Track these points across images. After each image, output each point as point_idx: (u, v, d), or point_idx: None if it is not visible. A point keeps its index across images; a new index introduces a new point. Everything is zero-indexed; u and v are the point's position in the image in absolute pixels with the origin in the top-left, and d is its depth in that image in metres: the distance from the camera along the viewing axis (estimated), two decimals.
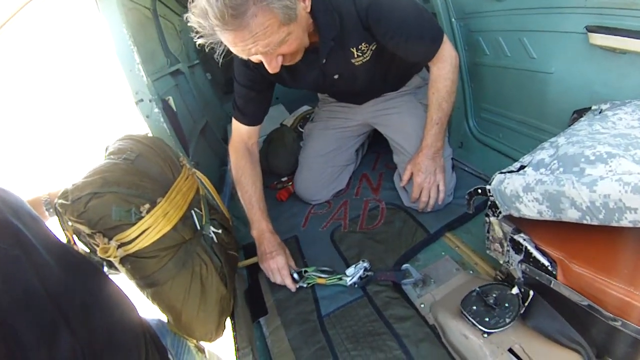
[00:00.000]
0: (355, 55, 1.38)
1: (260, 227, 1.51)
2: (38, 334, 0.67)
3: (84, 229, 1.02)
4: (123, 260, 1.06)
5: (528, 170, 0.90)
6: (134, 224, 1.05)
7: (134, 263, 1.08)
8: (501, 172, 0.96)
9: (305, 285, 1.41)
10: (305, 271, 1.43)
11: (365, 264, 1.35)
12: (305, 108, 2.52)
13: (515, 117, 1.55)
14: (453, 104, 1.48)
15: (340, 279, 1.36)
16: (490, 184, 0.97)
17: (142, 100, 1.41)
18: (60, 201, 1.02)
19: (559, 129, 1.26)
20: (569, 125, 1.09)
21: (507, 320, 0.95)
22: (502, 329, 0.95)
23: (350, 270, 1.35)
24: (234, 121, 1.59)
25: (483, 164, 1.72)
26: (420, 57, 1.40)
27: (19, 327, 0.64)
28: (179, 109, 1.92)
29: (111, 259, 1.03)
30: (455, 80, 1.44)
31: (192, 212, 1.26)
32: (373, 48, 1.39)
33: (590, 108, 1.09)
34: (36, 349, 0.65)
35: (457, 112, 1.82)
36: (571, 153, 0.82)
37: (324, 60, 1.36)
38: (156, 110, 1.43)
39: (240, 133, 1.59)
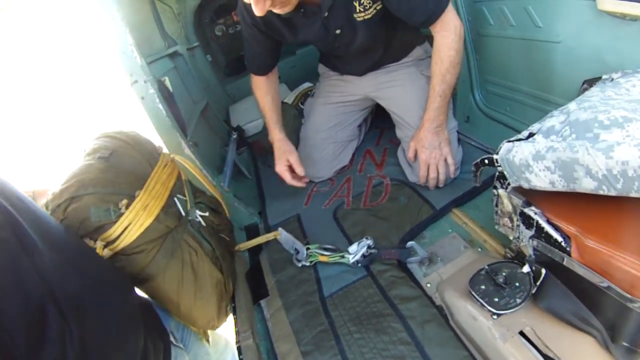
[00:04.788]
0: (358, 10, 1.33)
1: (271, 136, 1.72)
2: (26, 317, 0.65)
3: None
4: (112, 261, 1.03)
5: (537, 137, 0.82)
6: (115, 222, 1.02)
7: (123, 261, 1.05)
8: (509, 141, 0.89)
9: (307, 264, 1.37)
10: (308, 248, 1.39)
11: (369, 242, 1.30)
12: (306, 85, 2.45)
13: (522, 89, 1.47)
14: (457, 76, 1.40)
15: (342, 256, 1.32)
16: (497, 153, 0.90)
17: (136, 81, 1.37)
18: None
19: (568, 100, 1.20)
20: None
21: (518, 300, 0.89)
22: (512, 310, 0.89)
23: (352, 248, 1.31)
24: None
25: (490, 138, 1.64)
26: (423, 17, 1.31)
27: (7, 309, 0.63)
28: (177, 90, 1.88)
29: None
30: (460, 50, 1.35)
31: (175, 199, 1.21)
32: (377, 8, 1.34)
33: (600, 78, 1.01)
34: (24, 330, 0.63)
35: (462, 85, 1.74)
36: (584, 118, 0.75)
37: (326, 14, 1.32)
38: (151, 91, 1.39)
39: (254, 79, 1.73)
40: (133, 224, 1.05)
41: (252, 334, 1.17)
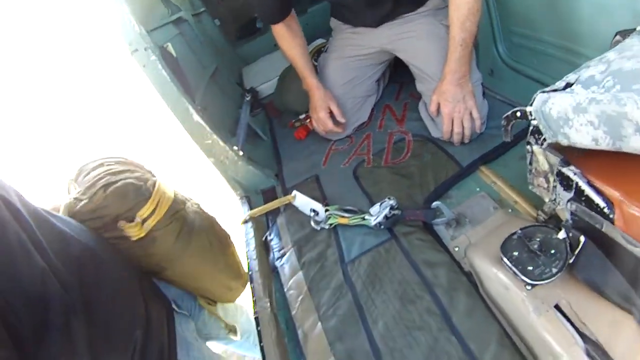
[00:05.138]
0: None
1: (306, 83, 1.68)
2: (30, 293, 0.67)
3: (105, 221, 1.05)
4: (145, 240, 1.11)
5: (576, 88, 0.72)
6: (148, 199, 1.12)
7: (155, 239, 1.13)
8: (543, 91, 0.79)
9: (326, 227, 1.32)
10: (327, 210, 1.33)
11: (392, 202, 1.22)
12: (319, 41, 2.33)
13: (549, 40, 1.34)
14: (477, 24, 1.29)
15: (363, 218, 1.26)
16: (531, 105, 0.81)
17: (136, 50, 1.31)
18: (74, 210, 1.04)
19: (599, 52, 1.09)
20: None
21: (554, 270, 0.81)
22: (548, 280, 0.81)
23: (374, 209, 1.24)
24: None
25: (516, 91, 1.53)
26: None
27: (13, 289, 0.64)
28: (183, 56, 1.81)
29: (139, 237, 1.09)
30: None
31: None
32: None
33: (634, 29, 0.88)
34: (29, 308, 0.65)
35: (484, 37, 1.62)
36: (628, 68, 0.65)
37: None
38: (153, 57, 1.33)
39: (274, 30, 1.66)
40: (161, 200, 1.16)
41: (270, 303, 1.14)
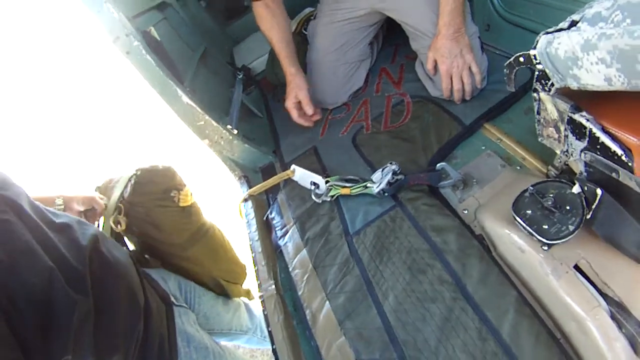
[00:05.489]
0: None
1: (283, 68, 1.60)
2: (36, 293, 0.67)
3: (161, 189, 1.28)
4: (188, 209, 1.35)
5: (582, 25, 0.64)
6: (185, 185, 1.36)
7: (194, 209, 1.38)
8: (547, 32, 0.71)
9: (329, 199, 1.28)
10: (327, 182, 1.29)
11: (394, 167, 1.17)
12: (307, 10, 2.25)
13: None
14: None
15: (366, 186, 1.21)
16: (535, 48, 0.74)
17: (118, 37, 1.26)
18: (127, 189, 1.24)
19: None
20: None
21: (571, 227, 0.76)
22: (565, 239, 0.76)
23: (376, 176, 1.19)
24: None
25: (515, 45, 1.44)
26: None
27: (19, 289, 0.64)
28: (169, 40, 1.76)
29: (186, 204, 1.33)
30: None
31: None
32: None
33: None
34: (33, 307, 0.66)
35: None
36: (637, 0, 0.58)
37: None
38: (136, 43, 1.28)
39: (256, 11, 1.60)
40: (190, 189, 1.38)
41: (275, 285, 1.11)
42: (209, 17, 2.64)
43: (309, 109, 1.55)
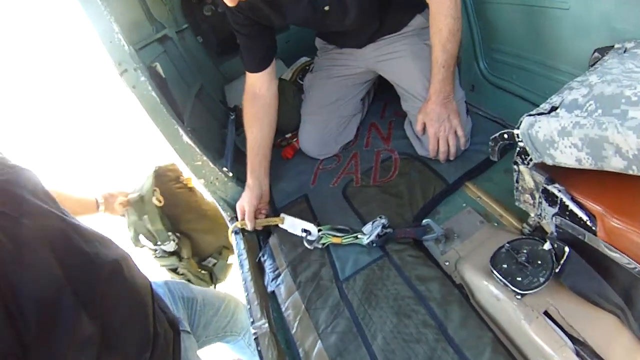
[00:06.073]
0: None
1: (248, 174, 1.55)
2: (43, 302, 0.66)
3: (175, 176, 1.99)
4: (193, 190, 2.05)
5: (561, 112, 0.78)
6: None
7: (196, 190, 2.05)
8: (529, 115, 0.84)
9: (320, 247, 1.34)
10: (320, 229, 1.35)
11: (384, 221, 1.26)
12: (303, 60, 2.37)
13: (529, 56, 1.41)
14: (459, 45, 1.34)
15: (356, 237, 1.29)
16: (518, 128, 0.86)
17: (126, 70, 1.29)
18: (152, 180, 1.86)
19: (577, 69, 1.17)
20: (590, 65, 0.97)
21: (542, 279, 0.87)
22: (536, 290, 0.87)
23: (367, 228, 1.27)
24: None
25: (497, 107, 1.59)
26: None
27: (28, 294, 0.64)
28: (169, 75, 1.81)
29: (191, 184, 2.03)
30: (458, 17, 1.29)
31: None
32: None
33: (612, 47, 0.96)
34: (38, 316, 0.65)
35: (466, 54, 1.68)
36: (609, 93, 0.71)
37: None
38: (142, 78, 1.31)
39: (249, 81, 1.57)
40: None
41: (269, 323, 1.15)
42: (204, 53, 2.71)
43: (249, 225, 1.47)
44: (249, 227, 1.47)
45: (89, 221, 0.99)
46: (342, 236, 1.31)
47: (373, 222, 1.27)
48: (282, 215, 1.44)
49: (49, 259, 0.70)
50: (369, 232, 1.26)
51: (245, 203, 1.48)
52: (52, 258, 0.70)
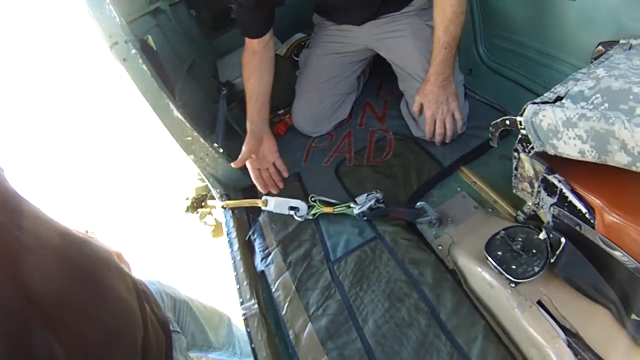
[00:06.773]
0: None
1: (247, 123, 1.53)
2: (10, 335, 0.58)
3: None
4: None
5: (566, 102, 0.76)
6: None
7: None
8: (534, 103, 0.82)
9: (311, 217, 1.34)
10: (312, 197, 1.36)
11: (378, 195, 1.25)
12: (298, 35, 2.31)
13: (530, 44, 1.39)
14: (462, 27, 1.31)
15: (349, 206, 1.28)
16: (521, 115, 0.84)
17: (116, 43, 1.24)
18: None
19: (580, 61, 1.17)
20: (593, 58, 0.96)
21: (536, 269, 0.87)
22: (530, 279, 0.87)
23: (361, 199, 1.27)
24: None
25: (495, 92, 1.58)
26: None
27: None
28: (162, 48, 1.75)
29: None
30: None
31: None
32: None
33: (617, 42, 0.94)
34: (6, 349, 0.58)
35: (465, 37, 1.64)
36: (616, 88, 0.69)
37: None
38: (133, 51, 1.27)
39: (248, 42, 1.52)
40: None
41: (258, 304, 1.14)
42: (196, 28, 2.64)
43: (286, 173, 1.53)
44: (286, 174, 1.57)
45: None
46: (335, 205, 1.31)
47: (368, 194, 1.27)
48: (264, 198, 1.44)
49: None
50: (362, 203, 1.25)
51: (269, 153, 1.54)
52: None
